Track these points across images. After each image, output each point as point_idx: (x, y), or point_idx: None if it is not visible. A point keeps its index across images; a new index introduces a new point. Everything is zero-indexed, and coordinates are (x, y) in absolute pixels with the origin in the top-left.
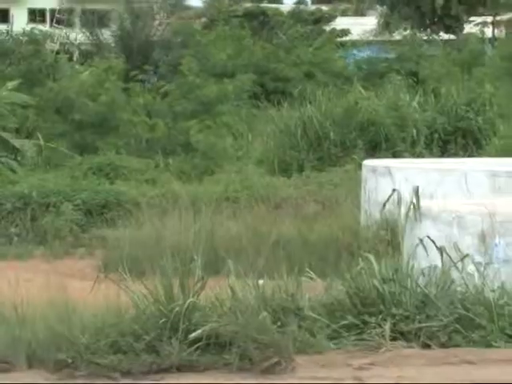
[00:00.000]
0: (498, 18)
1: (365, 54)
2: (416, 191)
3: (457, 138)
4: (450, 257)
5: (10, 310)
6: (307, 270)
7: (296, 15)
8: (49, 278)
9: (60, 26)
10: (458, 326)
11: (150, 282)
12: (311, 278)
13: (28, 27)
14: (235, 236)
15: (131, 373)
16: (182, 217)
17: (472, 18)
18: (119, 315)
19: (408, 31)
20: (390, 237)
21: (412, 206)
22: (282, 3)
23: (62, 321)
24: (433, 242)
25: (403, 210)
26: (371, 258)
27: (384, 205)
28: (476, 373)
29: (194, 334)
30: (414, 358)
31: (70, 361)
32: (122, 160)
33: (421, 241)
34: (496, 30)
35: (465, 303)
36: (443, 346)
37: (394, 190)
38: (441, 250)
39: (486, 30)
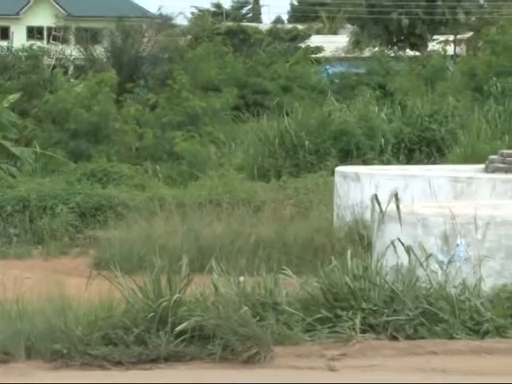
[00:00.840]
0: (458, 36)
1: (337, 69)
2: (395, 195)
3: (421, 147)
4: (415, 256)
5: (10, 305)
6: (284, 268)
7: (274, 33)
8: (46, 276)
9: (56, 43)
10: (422, 319)
11: (139, 279)
12: (288, 276)
13: (27, 44)
14: (218, 236)
15: (122, 363)
16: (169, 219)
17: (435, 37)
18: (111, 309)
19: (377, 48)
20: (359, 237)
21: (396, 208)
22: (260, 22)
23: (59, 315)
24: (402, 243)
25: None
26: (348, 252)
27: (380, 209)
28: (438, 362)
29: (180, 327)
30: (382, 349)
31: (65, 351)
32: (113, 166)
33: (392, 243)
34: (457, 48)
35: (429, 298)
36: (409, 337)
37: (376, 199)
38: (408, 249)
39: (447, 47)
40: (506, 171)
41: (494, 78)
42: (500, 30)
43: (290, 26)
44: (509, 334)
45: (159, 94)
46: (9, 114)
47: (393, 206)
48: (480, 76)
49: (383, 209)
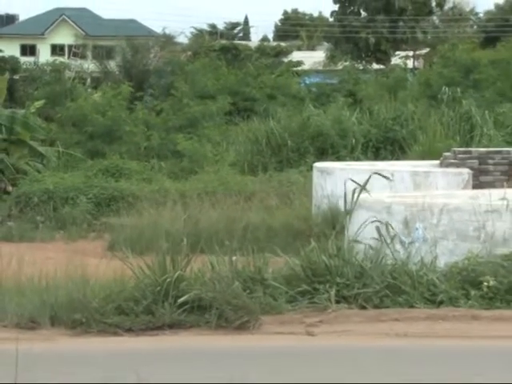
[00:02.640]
0: (417, 52)
1: (314, 80)
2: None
3: (386, 146)
4: (384, 237)
5: (37, 281)
6: (271, 248)
7: (261, 50)
8: (67, 256)
9: (76, 58)
10: (387, 291)
11: (147, 259)
12: (274, 255)
13: (51, 59)
14: (214, 222)
15: (132, 330)
16: (172, 207)
17: (397, 52)
18: (123, 285)
19: (348, 62)
20: (333, 222)
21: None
22: (250, 40)
23: (78, 289)
24: (379, 221)
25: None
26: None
27: (362, 189)
28: (400, 327)
29: (181, 299)
30: (353, 317)
31: (84, 320)
32: (124, 163)
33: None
34: (416, 62)
35: (393, 274)
36: (376, 307)
37: (353, 181)
38: (378, 229)
39: (408, 61)
40: (458, 166)
41: (446, 88)
42: (451, 47)
43: (274, 43)
44: (460, 303)
45: (164, 102)
46: (35, 118)
47: (360, 196)
48: (435, 86)
49: (360, 189)
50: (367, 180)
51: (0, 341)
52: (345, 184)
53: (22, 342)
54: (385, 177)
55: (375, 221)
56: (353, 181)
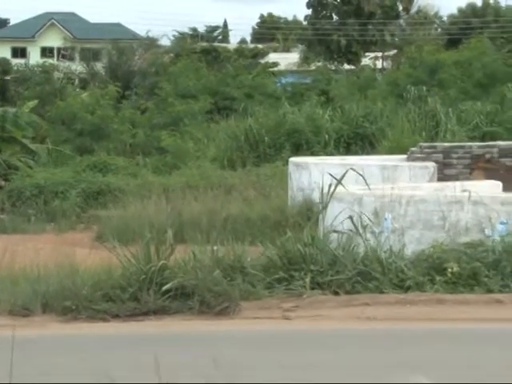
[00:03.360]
0: (385, 53)
1: (289, 79)
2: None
3: (357, 141)
4: (356, 226)
5: (30, 270)
6: (252, 237)
7: (239, 51)
8: (58, 247)
9: (64, 60)
10: (359, 278)
11: (133, 249)
12: (252, 244)
13: (41, 61)
14: (196, 214)
15: (119, 316)
16: (156, 200)
17: (367, 54)
18: (110, 273)
19: (321, 63)
20: (308, 213)
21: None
22: (229, 43)
23: (68, 278)
24: (351, 217)
25: (319, 194)
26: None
27: (338, 182)
28: (370, 311)
29: (165, 287)
30: (327, 302)
31: (73, 307)
32: (111, 159)
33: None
34: (384, 63)
35: (364, 261)
36: (348, 292)
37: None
38: (351, 218)
39: (376, 62)
40: (424, 160)
41: (412, 87)
42: (417, 49)
43: (252, 45)
44: (426, 288)
45: (148, 101)
46: (30, 116)
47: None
48: (402, 85)
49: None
50: (343, 175)
51: None
52: (322, 177)
53: (16, 329)
54: (359, 173)
55: (349, 217)
56: (330, 175)
